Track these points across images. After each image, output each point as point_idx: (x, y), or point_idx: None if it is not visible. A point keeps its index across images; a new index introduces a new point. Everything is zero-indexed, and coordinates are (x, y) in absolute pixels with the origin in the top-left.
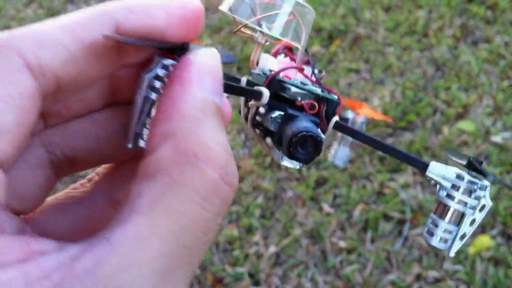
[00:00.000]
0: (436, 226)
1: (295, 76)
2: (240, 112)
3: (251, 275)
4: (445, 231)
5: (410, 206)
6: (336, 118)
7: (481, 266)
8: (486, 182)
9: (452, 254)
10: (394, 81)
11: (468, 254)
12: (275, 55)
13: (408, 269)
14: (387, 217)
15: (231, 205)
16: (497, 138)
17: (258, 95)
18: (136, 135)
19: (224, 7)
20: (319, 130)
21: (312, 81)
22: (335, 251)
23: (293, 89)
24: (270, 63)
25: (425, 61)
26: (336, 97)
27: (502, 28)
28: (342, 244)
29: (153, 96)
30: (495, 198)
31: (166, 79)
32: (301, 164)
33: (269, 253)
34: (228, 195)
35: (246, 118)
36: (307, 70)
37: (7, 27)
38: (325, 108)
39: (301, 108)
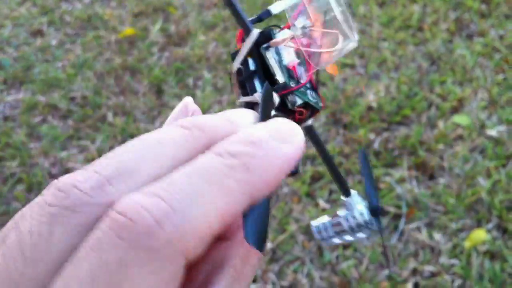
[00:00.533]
0: (326, 231)
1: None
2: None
3: None
4: (329, 236)
5: (405, 201)
6: (310, 122)
7: (477, 260)
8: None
9: (326, 246)
10: (389, 76)
11: (464, 248)
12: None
13: (404, 264)
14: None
15: None
16: (492, 132)
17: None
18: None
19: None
20: None
21: (314, 85)
22: (331, 247)
23: (299, 101)
24: (290, 58)
25: (420, 56)
26: (321, 105)
27: (496, 22)
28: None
29: None
30: (490, 191)
31: None
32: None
33: (265, 249)
34: None
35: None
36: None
37: (1, 26)
38: (308, 113)
39: (292, 113)
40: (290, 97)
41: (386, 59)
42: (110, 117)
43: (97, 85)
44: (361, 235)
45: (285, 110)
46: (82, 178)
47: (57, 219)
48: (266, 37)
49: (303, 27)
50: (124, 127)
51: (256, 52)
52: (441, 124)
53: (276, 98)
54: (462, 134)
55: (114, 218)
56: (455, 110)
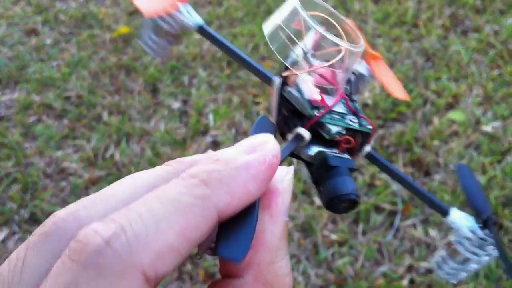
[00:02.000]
0: (446, 263)
1: (331, 96)
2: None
3: None
4: (452, 269)
5: (401, 197)
6: (368, 149)
7: None
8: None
9: (455, 282)
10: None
11: None
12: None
13: (399, 261)
14: (378, 209)
15: None
16: (487, 128)
17: (300, 138)
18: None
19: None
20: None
21: (351, 109)
22: (327, 244)
23: (334, 129)
24: (309, 89)
25: (415, 52)
26: (370, 127)
27: (491, 17)
28: (334, 236)
29: None
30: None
31: None
32: None
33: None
34: None
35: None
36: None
37: None
38: (360, 140)
39: (336, 143)
40: (324, 128)
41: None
42: (105, 116)
43: (92, 84)
44: (484, 257)
45: (327, 143)
46: (63, 209)
47: (32, 244)
48: (316, 124)
49: (304, 54)
50: (119, 126)
51: (280, 96)
52: (436, 120)
53: (305, 134)
54: (457, 130)
55: (71, 245)
56: (450, 106)
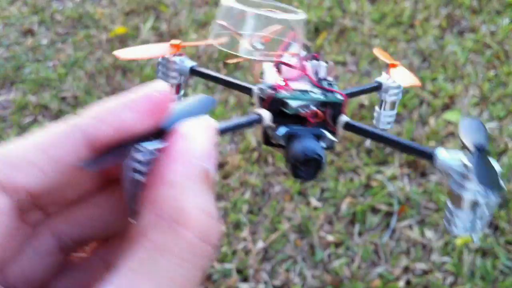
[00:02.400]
0: (454, 216)
1: (298, 81)
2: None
3: (239, 271)
4: (463, 220)
5: (397, 198)
6: (344, 119)
7: (468, 257)
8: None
9: (476, 240)
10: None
11: (455, 245)
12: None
13: (396, 262)
14: (374, 210)
15: (218, 201)
16: None
17: (259, 121)
18: (133, 210)
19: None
20: (327, 135)
21: (315, 83)
22: (323, 245)
23: (294, 103)
24: (270, 77)
25: (412, 52)
26: (339, 97)
27: (487, 18)
28: (330, 238)
29: (140, 177)
30: None
31: (151, 160)
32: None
33: (257, 248)
34: (208, 253)
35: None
36: (312, 65)
37: None
38: (331, 112)
39: (305, 120)
40: (286, 105)
41: (377, 56)
42: None
43: (88, 85)
44: (484, 194)
45: (296, 122)
46: None
47: None
48: (275, 102)
49: (254, 42)
50: None
51: (282, 114)
52: (432, 121)
53: (263, 112)
54: (453, 131)
55: None
56: (446, 107)
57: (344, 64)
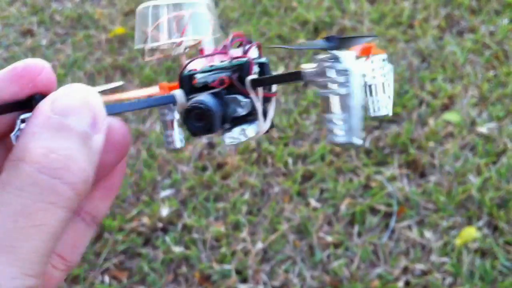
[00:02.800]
0: (330, 123)
1: (209, 63)
2: None
3: (238, 272)
4: (339, 121)
5: (396, 199)
6: (250, 77)
7: (467, 257)
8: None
9: (359, 142)
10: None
11: (454, 246)
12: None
13: (395, 262)
14: (373, 211)
15: (217, 202)
16: (482, 129)
17: (173, 99)
18: None
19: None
20: (238, 98)
21: (217, 52)
22: (322, 246)
23: (199, 76)
24: (189, 65)
25: (411, 53)
26: (243, 59)
27: (487, 18)
28: (329, 238)
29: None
30: (481, 189)
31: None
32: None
33: (256, 249)
34: (55, 187)
35: None
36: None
37: None
38: (237, 75)
39: (210, 88)
40: (195, 80)
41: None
42: None
43: (87, 85)
44: (336, 77)
45: (206, 89)
46: None
47: None
48: (185, 80)
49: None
50: None
51: (196, 90)
52: (431, 121)
53: (176, 92)
54: (452, 131)
55: None
56: (445, 107)
57: None
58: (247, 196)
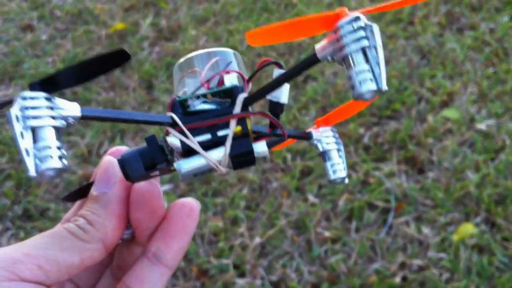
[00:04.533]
0: (356, 75)
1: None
2: None
3: (236, 267)
4: (364, 74)
5: (394, 195)
6: (243, 95)
7: (465, 253)
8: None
9: (384, 87)
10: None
11: (452, 242)
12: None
13: (392, 258)
14: (371, 206)
15: (215, 197)
16: (481, 126)
17: (169, 122)
18: None
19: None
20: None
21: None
22: (320, 241)
23: (196, 103)
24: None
25: (411, 49)
26: (228, 86)
27: (487, 15)
28: (327, 234)
29: None
30: (479, 185)
31: None
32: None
33: (254, 244)
34: None
35: None
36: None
37: None
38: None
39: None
40: (189, 104)
41: None
42: None
43: None
44: None
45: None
46: None
47: None
48: (176, 106)
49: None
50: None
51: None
52: (430, 118)
53: (174, 116)
54: (451, 128)
55: None
56: (444, 104)
57: None
58: (245, 191)
